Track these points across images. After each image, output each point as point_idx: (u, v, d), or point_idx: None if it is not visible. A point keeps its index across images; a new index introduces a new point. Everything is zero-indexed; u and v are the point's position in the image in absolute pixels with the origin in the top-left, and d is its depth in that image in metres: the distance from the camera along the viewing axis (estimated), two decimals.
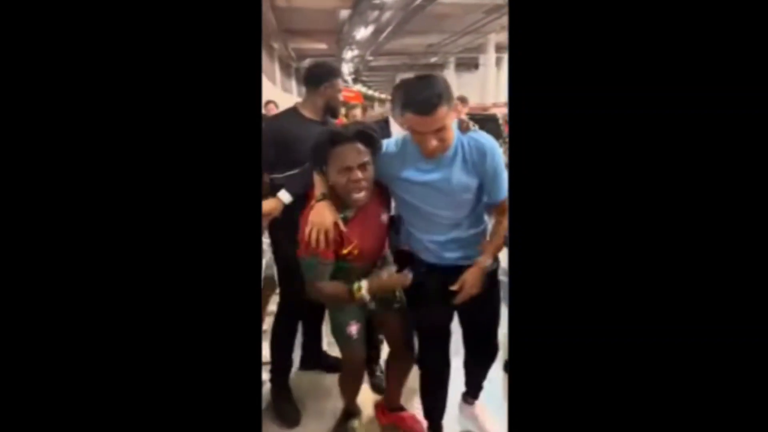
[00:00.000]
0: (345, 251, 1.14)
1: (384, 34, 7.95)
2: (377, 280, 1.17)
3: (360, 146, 1.08)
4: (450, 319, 1.35)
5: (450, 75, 11.37)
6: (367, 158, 1.08)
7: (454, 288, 1.15)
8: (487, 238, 1.22)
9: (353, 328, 1.26)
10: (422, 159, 1.16)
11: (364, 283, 1.14)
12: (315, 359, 1.90)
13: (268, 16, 6.82)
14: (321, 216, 1.13)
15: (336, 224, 1.12)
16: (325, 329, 1.86)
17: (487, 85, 10.54)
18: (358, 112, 3.19)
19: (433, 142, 1.06)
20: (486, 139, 1.18)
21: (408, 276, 1.16)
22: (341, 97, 1.62)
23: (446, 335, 1.35)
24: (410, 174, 1.17)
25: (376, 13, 6.91)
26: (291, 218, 1.24)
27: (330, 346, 1.87)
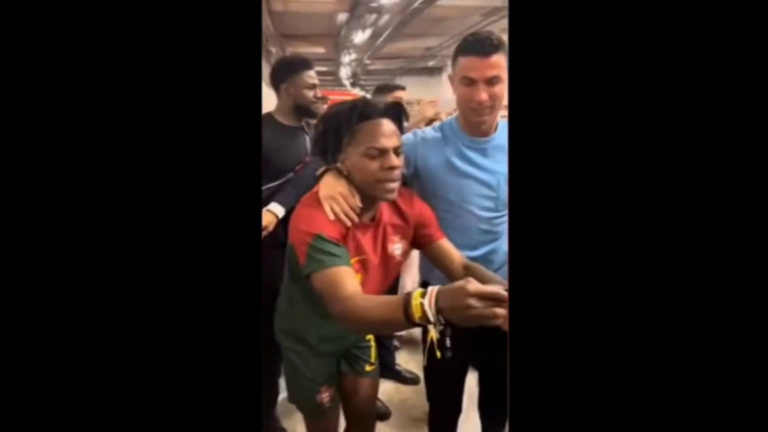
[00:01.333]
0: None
1: (382, 38, 7.94)
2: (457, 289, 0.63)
3: (393, 125, 0.84)
4: (465, 369, 1.27)
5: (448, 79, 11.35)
6: (400, 141, 0.85)
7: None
8: None
9: (324, 396, 0.97)
10: (466, 142, 1.07)
11: (431, 289, 0.64)
12: (391, 370, 1.95)
13: (264, 21, 6.80)
14: (332, 187, 0.83)
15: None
16: None
17: None
18: None
19: (483, 95, 0.97)
20: None
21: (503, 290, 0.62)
22: (313, 94, 1.51)
23: (461, 387, 1.25)
24: (452, 160, 1.05)
25: (373, 16, 6.89)
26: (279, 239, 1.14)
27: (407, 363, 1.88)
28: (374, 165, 0.83)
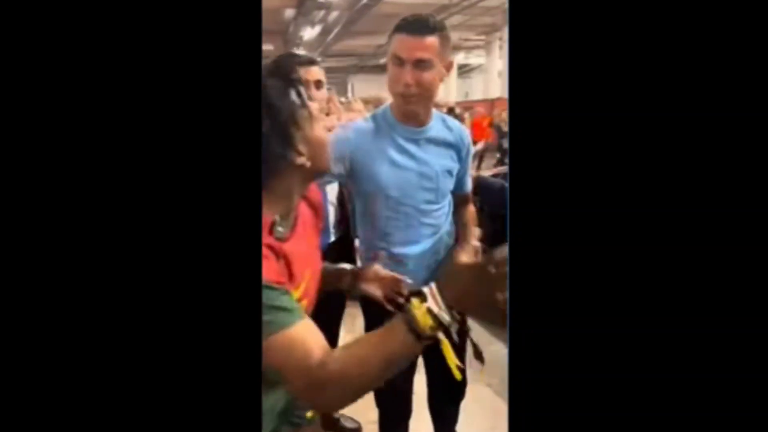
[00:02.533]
0: (296, 292, 0.63)
1: (332, 35, 7.85)
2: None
3: None
4: (413, 368, 1.24)
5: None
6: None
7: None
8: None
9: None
10: (402, 133, 1.03)
11: (428, 289, 0.54)
12: (327, 419, 1.68)
13: None
14: None
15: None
16: None
17: (448, 84, 10.73)
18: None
19: (408, 77, 0.91)
20: (455, 120, 1.11)
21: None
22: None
23: (411, 373, 1.24)
24: (389, 154, 1.00)
25: (322, 12, 6.80)
26: None
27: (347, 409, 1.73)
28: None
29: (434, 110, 1.08)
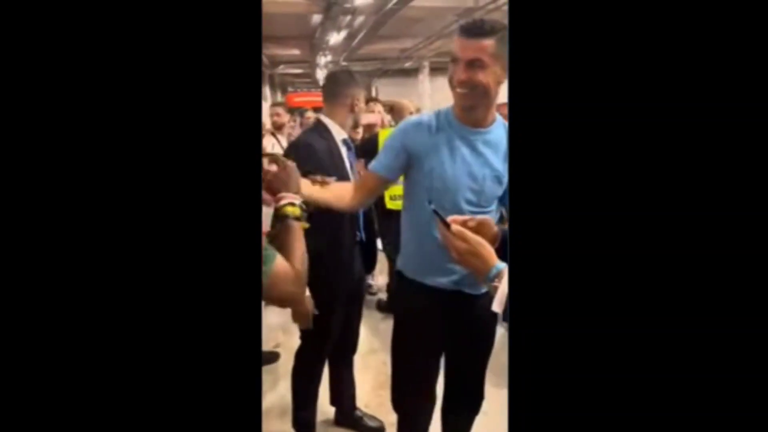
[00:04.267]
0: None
1: (357, 39, 7.92)
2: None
3: None
4: (439, 356, 1.25)
5: (424, 80, 11.43)
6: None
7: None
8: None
9: None
10: (458, 131, 1.07)
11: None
12: (349, 416, 1.71)
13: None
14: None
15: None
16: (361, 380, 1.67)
17: None
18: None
19: (462, 75, 0.99)
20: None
21: None
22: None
23: (435, 375, 1.22)
24: (440, 147, 1.06)
25: (348, 17, 6.87)
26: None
27: (367, 407, 1.73)
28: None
29: (500, 117, 1.11)
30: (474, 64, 0.98)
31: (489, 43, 0.97)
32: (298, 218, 0.89)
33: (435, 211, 0.78)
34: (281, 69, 12.62)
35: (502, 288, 0.71)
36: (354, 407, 1.75)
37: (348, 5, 5.97)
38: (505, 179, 1.09)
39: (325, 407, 1.74)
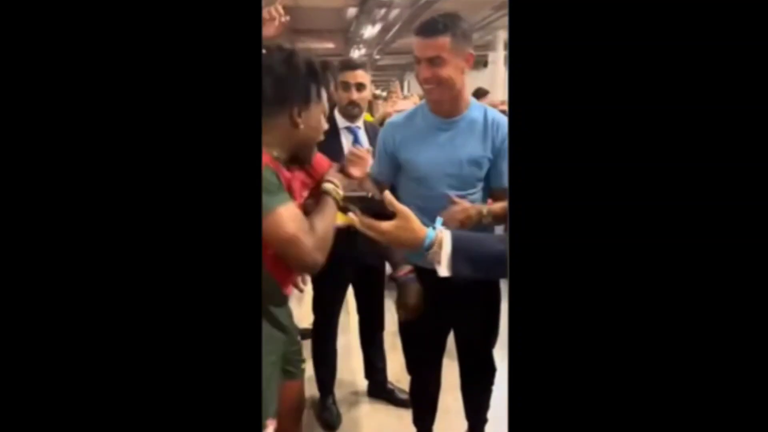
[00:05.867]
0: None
1: (391, 32, 7.91)
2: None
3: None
4: (446, 334, 1.30)
5: None
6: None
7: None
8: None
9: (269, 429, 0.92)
10: (431, 121, 1.13)
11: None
12: (381, 389, 1.83)
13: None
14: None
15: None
16: (392, 354, 1.77)
17: (496, 82, 10.41)
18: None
19: (425, 73, 1.04)
20: (499, 114, 1.16)
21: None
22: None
23: (440, 352, 1.28)
24: (418, 139, 1.14)
25: (383, 10, 6.87)
26: None
27: (398, 381, 1.81)
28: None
29: (477, 102, 1.17)
30: (434, 62, 1.03)
31: (445, 40, 1.01)
32: (335, 200, 0.92)
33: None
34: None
35: (444, 251, 0.72)
36: (385, 381, 1.85)
37: None
38: (485, 161, 1.13)
39: (360, 380, 1.89)
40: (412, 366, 1.33)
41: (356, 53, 10.25)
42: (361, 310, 1.78)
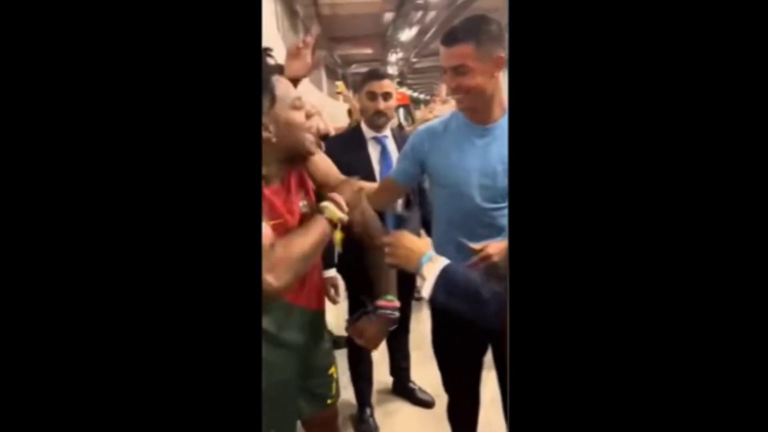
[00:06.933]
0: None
1: (428, 35, 7.90)
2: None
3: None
4: (483, 353, 1.25)
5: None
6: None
7: (475, 248, 1.03)
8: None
9: None
10: (465, 130, 1.09)
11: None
12: (404, 387, 1.87)
13: (313, 25, 6.99)
14: None
15: None
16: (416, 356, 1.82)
17: None
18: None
19: (451, 82, 1.01)
20: None
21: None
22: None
23: (478, 372, 1.23)
24: (451, 145, 1.10)
25: (419, 13, 6.88)
26: None
27: (420, 380, 1.86)
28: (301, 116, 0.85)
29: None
30: (459, 71, 1.00)
31: (468, 47, 0.98)
32: (332, 223, 0.84)
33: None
34: (354, 68, 12.95)
35: (432, 274, 0.79)
36: (408, 380, 1.88)
37: (420, 1, 5.98)
38: None
39: (385, 377, 1.92)
40: (449, 386, 1.28)
41: (393, 57, 10.31)
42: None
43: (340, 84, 3.60)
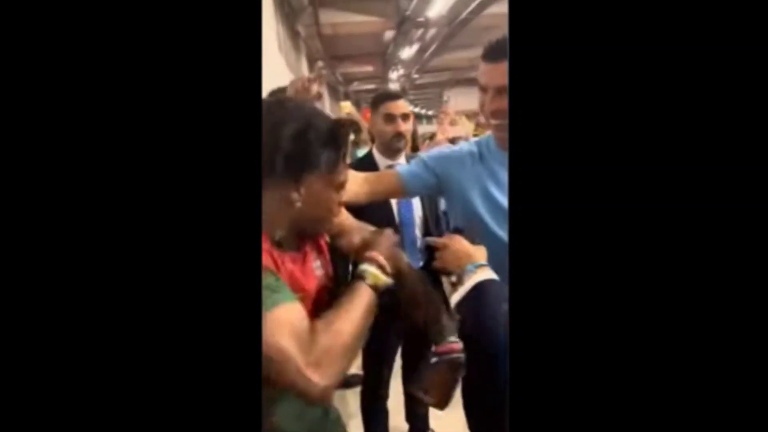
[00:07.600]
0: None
1: (429, 51, 8.00)
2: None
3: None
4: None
5: None
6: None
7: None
8: None
9: None
10: (499, 160, 0.94)
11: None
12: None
13: (315, 44, 7.10)
14: None
15: None
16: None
17: None
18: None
19: (495, 104, 0.86)
20: None
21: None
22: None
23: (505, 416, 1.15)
24: (482, 179, 0.95)
25: (420, 31, 6.98)
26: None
27: (439, 428, 1.74)
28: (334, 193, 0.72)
29: None
30: (503, 90, 0.84)
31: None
32: (375, 288, 0.67)
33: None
34: (355, 86, 13.09)
35: (471, 281, 0.73)
36: (426, 427, 1.76)
37: (421, 18, 6.07)
38: None
39: (401, 422, 1.80)
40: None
41: (394, 74, 10.43)
42: (405, 356, 1.64)
43: (346, 104, 3.57)
